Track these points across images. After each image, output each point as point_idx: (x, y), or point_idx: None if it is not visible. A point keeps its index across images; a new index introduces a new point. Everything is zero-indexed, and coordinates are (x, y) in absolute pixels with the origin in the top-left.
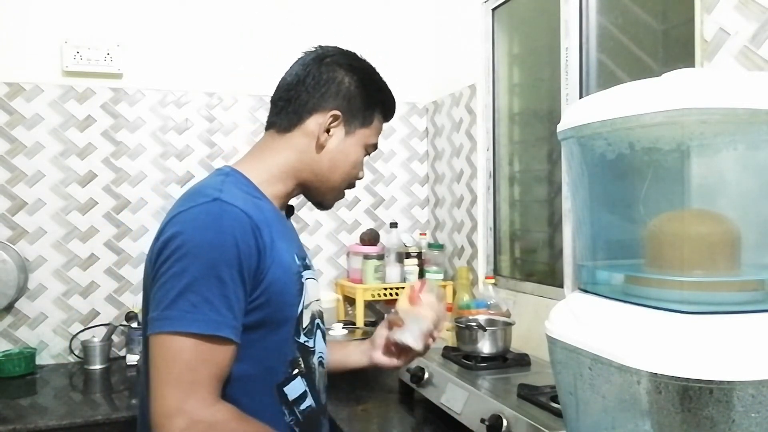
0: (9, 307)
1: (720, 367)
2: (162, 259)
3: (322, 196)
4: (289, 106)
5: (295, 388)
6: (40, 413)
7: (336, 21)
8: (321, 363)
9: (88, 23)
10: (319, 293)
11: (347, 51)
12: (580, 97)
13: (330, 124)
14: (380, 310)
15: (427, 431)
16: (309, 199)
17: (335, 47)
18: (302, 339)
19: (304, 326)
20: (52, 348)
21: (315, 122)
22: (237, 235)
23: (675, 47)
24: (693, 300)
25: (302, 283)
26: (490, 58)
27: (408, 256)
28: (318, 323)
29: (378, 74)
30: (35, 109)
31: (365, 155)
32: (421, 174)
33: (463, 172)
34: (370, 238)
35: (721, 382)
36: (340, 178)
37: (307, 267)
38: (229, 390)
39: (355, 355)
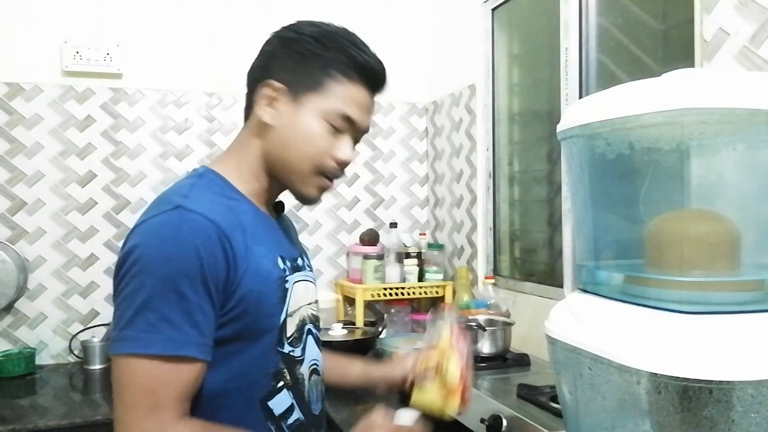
0: (9, 307)
1: (720, 367)
2: (121, 275)
3: (291, 185)
4: (246, 94)
5: (281, 401)
6: (40, 413)
7: (336, 21)
8: (315, 371)
9: (88, 23)
10: (315, 295)
11: (302, 20)
12: (580, 97)
13: (269, 96)
14: (380, 310)
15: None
16: (292, 194)
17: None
18: (287, 349)
19: (288, 335)
20: (51, 348)
21: (259, 100)
22: (198, 245)
23: (675, 47)
24: (693, 300)
25: (285, 290)
26: (490, 58)
27: (408, 256)
28: (309, 329)
29: (334, 33)
30: (35, 109)
31: (334, 129)
32: (421, 174)
33: (463, 172)
34: (370, 238)
35: (720, 382)
36: (296, 158)
37: (298, 269)
38: (209, 406)
39: (357, 369)
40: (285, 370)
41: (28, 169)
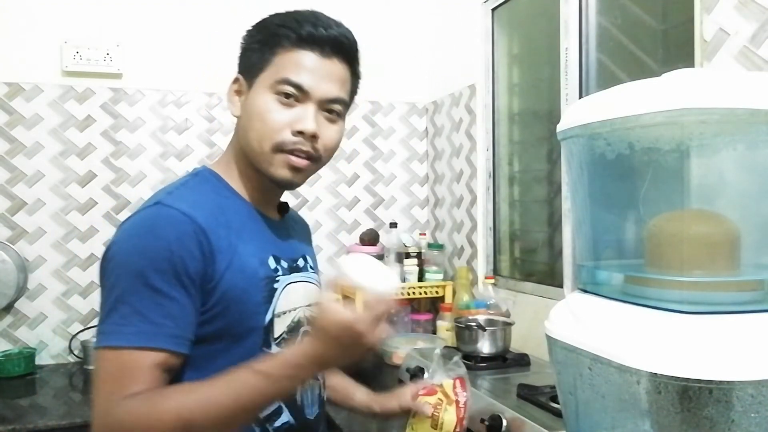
0: (8, 307)
1: (719, 367)
2: (102, 272)
3: (263, 170)
4: None
5: None
6: (40, 413)
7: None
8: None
9: (88, 23)
10: (318, 298)
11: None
12: (580, 97)
13: (235, 90)
14: None
15: None
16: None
17: None
18: (274, 350)
19: (276, 336)
20: (51, 348)
21: (228, 97)
22: (171, 239)
23: (675, 47)
24: (693, 300)
25: (273, 290)
26: (490, 58)
27: (408, 256)
28: (307, 331)
29: (293, 15)
30: (35, 109)
31: (285, 100)
32: (421, 174)
33: (463, 172)
34: (370, 238)
35: (720, 382)
36: (255, 139)
37: (297, 269)
38: None
39: (359, 395)
40: None
41: (28, 169)
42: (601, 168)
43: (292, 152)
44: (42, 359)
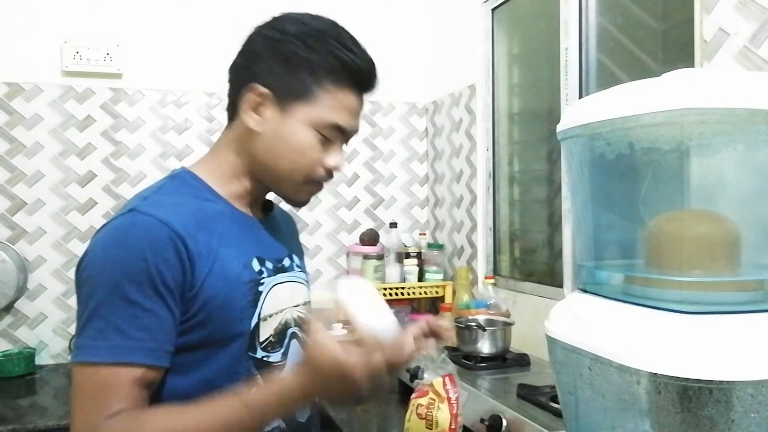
0: (8, 307)
1: (719, 367)
2: (76, 282)
3: (281, 192)
4: (229, 92)
5: None
6: (40, 413)
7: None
8: None
9: (88, 23)
10: (306, 296)
11: (286, 15)
12: (580, 97)
13: (255, 101)
14: None
15: None
16: (280, 197)
17: (283, 14)
18: (260, 354)
19: (261, 340)
20: (51, 348)
21: (243, 104)
22: (146, 247)
23: (675, 47)
24: (692, 300)
25: (258, 293)
26: (490, 58)
27: (408, 256)
28: (294, 333)
29: (320, 31)
30: (35, 109)
31: (324, 138)
32: (421, 174)
33: (463, 172)
34: (370, 238)
35: (720, 382)
36: (287, 168)
37: (283, 270)
38: None
39: None
40: (259, 376)
41: (28, 169)
42: (601, 168)
43: (319, 183)
44: (42, 359)
